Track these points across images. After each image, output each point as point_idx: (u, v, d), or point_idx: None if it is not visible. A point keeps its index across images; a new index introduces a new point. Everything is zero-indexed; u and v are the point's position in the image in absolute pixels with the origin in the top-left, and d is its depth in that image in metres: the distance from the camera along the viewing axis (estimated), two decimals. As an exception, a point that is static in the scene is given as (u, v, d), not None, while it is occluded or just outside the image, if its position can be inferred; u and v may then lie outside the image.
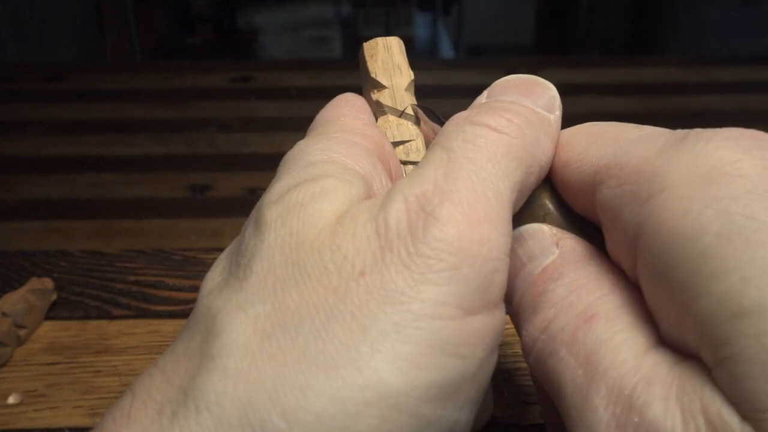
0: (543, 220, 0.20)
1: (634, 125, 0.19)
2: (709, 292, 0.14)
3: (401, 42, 0.24)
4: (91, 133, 0.83)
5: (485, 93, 0.21)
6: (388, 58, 0.23)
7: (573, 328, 0.17)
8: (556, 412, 0.18)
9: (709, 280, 0.14)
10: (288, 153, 0.20)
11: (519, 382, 0.31)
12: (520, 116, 0.19)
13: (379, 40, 0.24)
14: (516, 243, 0.20)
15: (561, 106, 0.21)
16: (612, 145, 0.18)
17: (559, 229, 0.20)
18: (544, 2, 2.30)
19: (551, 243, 0.19)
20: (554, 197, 0.21)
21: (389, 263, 0.16)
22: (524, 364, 0.32)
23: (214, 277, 0.18)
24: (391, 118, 0.23)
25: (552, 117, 0.20)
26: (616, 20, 2.24)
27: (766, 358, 0.13)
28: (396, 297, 0.15)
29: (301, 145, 0.20)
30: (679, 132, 0.17)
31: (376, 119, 0.23)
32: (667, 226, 0.15)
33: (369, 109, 0.24)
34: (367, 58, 0.23)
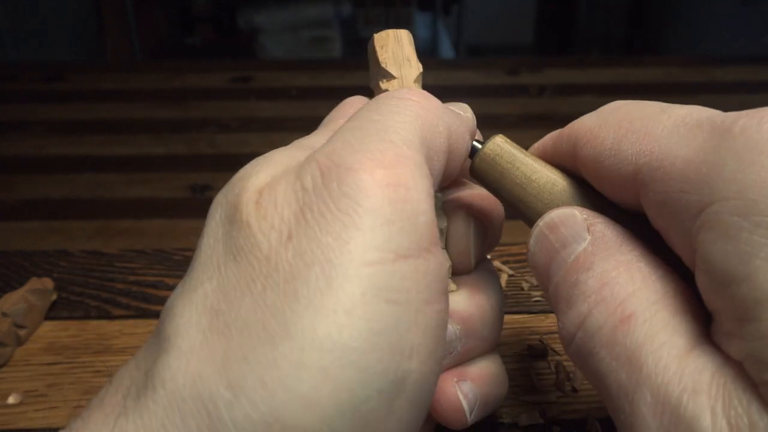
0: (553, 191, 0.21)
1: (657, 107, 0.18)
2: (759, 317, 0.14)
3: (411, 35, 0.24)
4: (91, 133, 0.83)
5: None
6: (398, 49, 0.23)
7: (611, 328, 0.17)
8: None
9: (759, 305, 0.14)
10: None
11: (519, 382, 0.31)
12: (427, 95, 0.20)
13: (390, 31, 0.24)
14: (548, 229, 0.20)
15: (473, 114, 0.22)
16: (646, 140, 0.18)
17: (591, 212, 0.20)
18: (544, 2, 2.30)
19: (583, 228, 0.19)
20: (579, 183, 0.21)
21: (312, 223, 0.16)
22: (524, 364, 0.32)
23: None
24: None
25: (462, 113, 0.22)
26: (616, 20, 2.24)
27: None
28: (323, 253, 0.15)
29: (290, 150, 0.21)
30: (719, 122, 0.16)
31: None
32: (720, 245, 0.15)
33: None
34: (378, 49, 0.23)
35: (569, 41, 2.35)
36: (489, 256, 0.40)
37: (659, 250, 0.18)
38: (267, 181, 0.18)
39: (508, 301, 0.37)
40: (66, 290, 0.38)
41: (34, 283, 0.37)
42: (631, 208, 0.19)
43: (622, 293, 0.17)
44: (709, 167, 0.16)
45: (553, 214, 0.20)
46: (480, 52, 2.31)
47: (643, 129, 0.18)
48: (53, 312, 0.37)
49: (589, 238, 0.19)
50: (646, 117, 0.18)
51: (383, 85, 0.23)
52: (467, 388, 0.22)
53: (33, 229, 0.66)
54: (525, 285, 0.38)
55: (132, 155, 0.78)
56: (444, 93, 0.22)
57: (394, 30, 0.24)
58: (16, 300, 0.35)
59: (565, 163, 0.22)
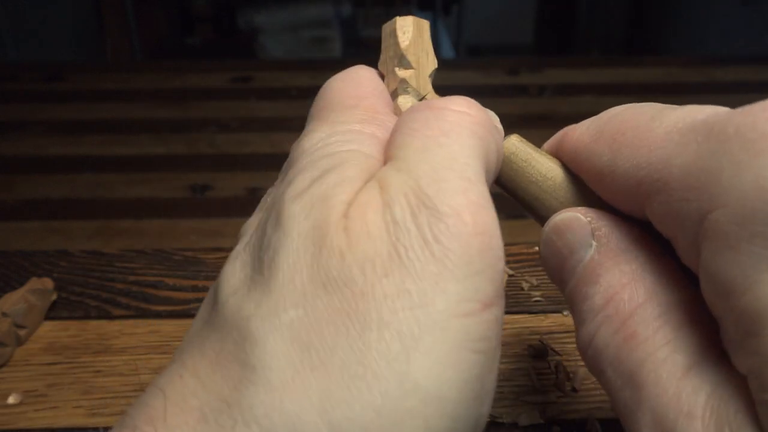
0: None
1: (648, 114, 0.18)
2: (760, 332, 0.14)
3: (429, 26, 0.23)
4: (91, 133, 0.83)
5: None
6: (419, 38, 0.23)
7: (615, 347, 0.17)
8: None
9: (759, 319, 0.14)
10: (305, 142, 0.19)
11: (519, 382, 0.31)
12: (472, 102, 0.19)
13: (413, 18, 0.23)
14: (555, 234, 0.20)
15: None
16: (641, 152, 0.17)
17: (596, 213, 0.20)
18: (544, 2, 2.30)
19: (588, 234, 0.19)
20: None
21: (407, 263, 0.15)
22: (524, 365, 0.32)
23: (234, 272, 0.18)
24: (411, 100, 0.22)
25: (498, 126, 0.21)
26: (616, 20, 2.24)
27: None
28: (419, 299, 0.15)
29: (321, 135, 0.19)
30: (712, 123, 0.16)
31: (396, 97, 0.22)
32: (721, 256, 0.15)
33: (385, 88, 0.23)
34: (399, 34, 0.22)
35: (569, 41, 2.35)
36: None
37: (668, 250, 0.18)
38: (351, 197, 0.17)
39: (508, 301, 0.37)
40: (66, 290, 0.38)
41: (34, 283, 0.37)
42: (643, 219, 0.19)
43: (625, 310, 0.17)
44: (707, 174, 0.15)
45: (558, 219, 0.20)
46: (480, 52, 2.31)
47: (636, 140, 0.18)
48: (53, 312, 0.37)
49: (594, 244, 0.19)
50: (637, 127, 0.18)
51: (400, 73, 0.22)
52: None
53: (33, 229, 0.66)
54: (525, 285, 0.38)
55: (132, 155, 0.78)
56: (444, 93, 0.21)
57: (416, 18, 0.23)
58: (16, 300, 0.35)
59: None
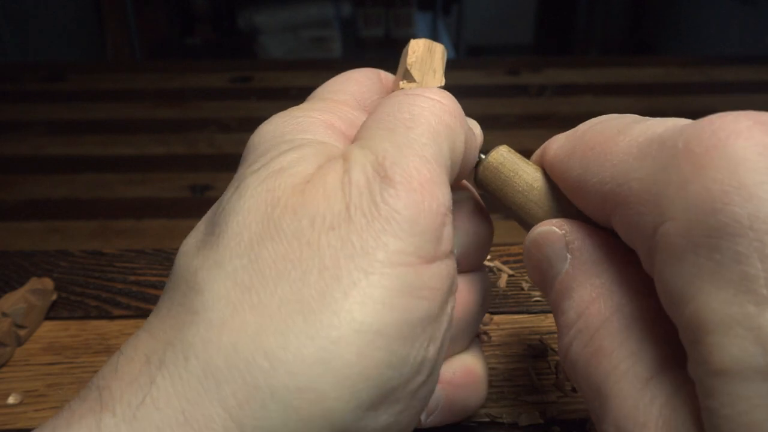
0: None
1: (615, 128, 0.19)
2: (701, 340, 0.14)
3: (446, 51, 0.25)
4: (91, 133, 0.83)
5: None
6: (428, 58, 0.24)
7: (585, 360, 0.18)
8: None
9: (700, 329, 0.14)
10: (264, 127, 0.21)
11: (519, 382, 0.31)
12: (447, 93, 0.21)
13: (426, 41, 0.24)
14: (534, 248, 0.21)
15: (482, 134, 0.24)
16: (605, 166, 0.18)
17: (571, 226, 0.20)
18: (544, 2, 2.30)
19: (563, 247, 0.20)
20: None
21: (355, 219, 0.17)
22: (524, 365, 0.32)
23: (190, 239, 0.19)
24: None
25: (474, 129, 0.23)
26: (616, 20, 2.24)
27: (740, 420, 0.13)
28: (363, 248, 0.17)
29: (280, 121, 0.21)
30: (665, 140, 0.17)
31: None
32: (670, 266, 0.15)
33: (375, 86, 0.24)
34: (409, 53, 0.24)
35: (569, 41, 2.34)
36: (489, 256, 0.40)
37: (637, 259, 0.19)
38: (312, 171, 0.19)
39: (508, 301, 0.37)
40: (66, 290, 0.38)
41: (34, 283, 0.37)
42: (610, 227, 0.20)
43: (594, 325, 0.18)
44: (658, 187, 0.16)
45: (536, 233, 0.21)
46: (480, 52, 2.31)
47: (602, 155, 0.19)
48: (53, 312, 0.37)
49: (569, 257, 0.20)
50: (604, 141, 0.19)
51: (402, 84, 0.23)
52: None
53: (33, 229, 0.66)
54: (525, 285, 0.38)
55: (132, 155, 0.78)
56: (444, 93, 0.22)
57: (430, 41, 0.24)
58: (16, 300, 0.35)
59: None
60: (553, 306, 0.20)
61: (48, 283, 0.38)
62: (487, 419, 0.29)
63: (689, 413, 0.15)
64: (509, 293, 0.38)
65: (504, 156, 0.23)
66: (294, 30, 2.03)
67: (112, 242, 0.64)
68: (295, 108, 0.22)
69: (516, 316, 0.36)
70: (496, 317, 0.36)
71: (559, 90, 0.89)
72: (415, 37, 0.24)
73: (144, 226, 0.66)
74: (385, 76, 0.25)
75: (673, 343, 0.17)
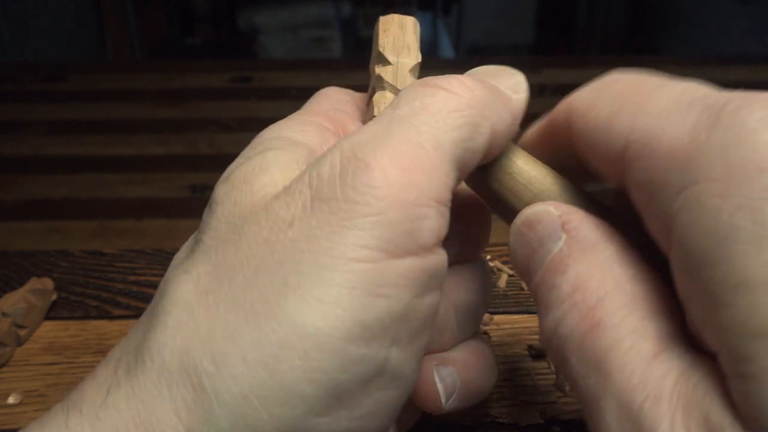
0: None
1: (655, 82, 0.18)
2: (735, 303, 0.14)
3: (417, 23, 0.24)
4: (91, 133, 0.83)
5: None
6: (400, 35, 0.23)
7: (580, 335, 0.17)
8: None
9: (736, 290, 0.14)
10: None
11: (519, 382, 0.31)
12: (475, 83, 0.19)
13: (396, 16, 0.23)
14: (525, 227, 0.20)
15: (528, 90, 0.21)
16: (641, 115, 0.17)
17: (567, 207, 0.19)
18: (544, 2, 2.30)
19: (558, 227, 0.19)
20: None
21: (317, 211, 0.16)
22: (524, 365, 0.32)
23: (180, 252, 0.20)
24: (388, 94, 0.23)
25: (514, 96, 0.21)
26: (616, 20, 2.24)
27: None
28: (319, 243, 0.16)
29: (262, 132, 0.21)
30: (713, 102, 0.16)
31: (374, 92, 0.23)
32: (697, 225, 0.15)
33: (349, 100, 0.24)
34: (380, 33, 0.23)
35: (569, 41, 2.34)
36: (489, 256, 0.40)
37: (639, 244, 0.18)
38: (282, 177, 0.18)
39: (508, 301, 0.37)
40: (66, 290, 0.38)
41: (34, 283, 0.37)
42: (621, 187, 0.19)
43: (592, 298, 0.17)
44: (695, 146, 0.15)
45: (530, 212, 0.20)
46: (480, 52, 2.31)
47: (638, 104, 0.17)
48: (53, 312, 0.37)
49: (564, 236, 0.19)
50: (642, 92, 0.18)
51: (378, 70, 0.23)
52: (446, 372, 0.23)
53: (33, 229, 0.66)
54: (525, 285, 0.38)
55: (132, 155, 0.78)
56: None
57: (401, 15, 0.23)
58: (16, 300, 0.35)
59: (559, 138, 0.21)
60: (539, 284, 0.19)
61: (48, 283, 0.38)
62: (487, 419, 0.29)
63: (711, 387, 0.14)
64: (509, 293, 0.38)
65: (510, 165, 0.21)
66: (294, 30, 2.03)
67: (112, 242, 0.64)
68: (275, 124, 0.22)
69: (516, 316, 0.36)
70: (496, 317, 0.36)
71: (559, 90, 0.89)
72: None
73: (144, 226, 0.66)
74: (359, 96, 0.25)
75: (678, 326, 0.16)
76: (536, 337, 0.34)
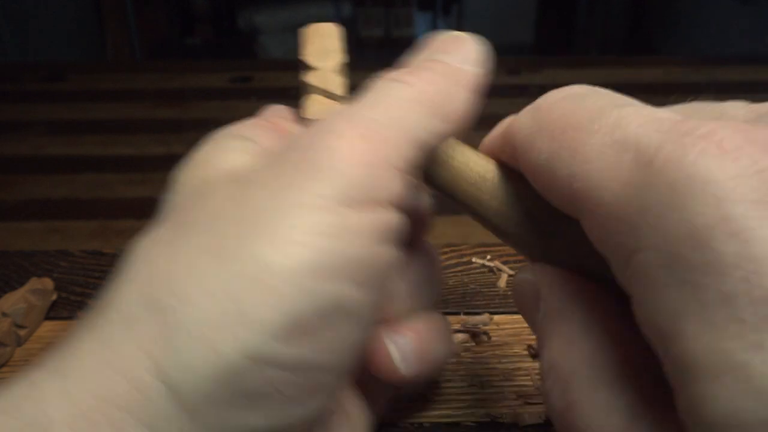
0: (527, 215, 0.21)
1: (587, 113, 0.17)
2: (688, 388, 0.13)
3: (337, 28, 0.25)
4: (91, 133, 0.83)
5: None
6: (320, 42, 0.24)
7: (560, 414, 0.17)
8: None
9: (686, 374, 0.13)
10: None
11: (519, 382, 0.31)
12: (431, 71, 0.21)
13: (316, 25, 0.25)
14: (517, 296, 0.21)
15: (482, 56, 0.22)
16: (577, 160, 0.16)
17: (543, 271, 0.20)
18: (544, 2, 2.30)
19: (536, 297, 0.20)
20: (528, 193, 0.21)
21: (283, 164, 0.18)
22: (524, 364, 0.32)
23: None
24: (317, 97, 0.24)
25: (467, 68, 0.21)
26: (616, 20, 2.24)
27: None
28: (282, 194, 0.17)
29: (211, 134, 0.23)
30: (644, 147, 0.14)
31: (306, 99, 0.24)
32: (648, 298, 0.14)
33: (288, 110, 0.26)
34: (303, 43, 0.24)
35: (569, 41, 2.34)
36: (489, 256, 0.40)
37: (612, 289, 0.17)
38: (234, 160, 0.20)
39: (508, 301, 0.37)
40: (66, 290, 0.38)
41: (34, 283, 0.37)
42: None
43: (564, 377, 0.17)
44: (635, 208, 0.14)
45: (516, 280, 0.21)
46: (480, 52, 2.30)
47: (574, 145, 0.16)
48: (53, 312, 0.37)
49: (542, 307, 0.19)
50: (577, 128, 0.17)
51: (304, 77, 0.24)
52: (398, 338, 0.24)
53: (33, 229, 0.66)
54: (525, 285, 0.38)
55: (132, 155, 0.78)
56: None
57: (321, 24, 0.25)
58: (16, 300, 0.35)
59: (511, 164, 0.21)
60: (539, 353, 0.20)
61: (48, 283, 0.38)
62: (487, 419, 0.29)
63: None
64: (509, 293, 0.38)
65: (453, 148, 0.22)
66: (294, 30, 2.02)
67: (112, 242, 0.64)
68: None
69: (516, 316, 0.36)
70: (496, 317, 0.36)
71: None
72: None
73: (144, 226, 0.66)
74: None
75: (652, 389, 0.16)
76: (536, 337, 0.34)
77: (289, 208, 0.17)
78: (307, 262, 0.17)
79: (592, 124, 0.16)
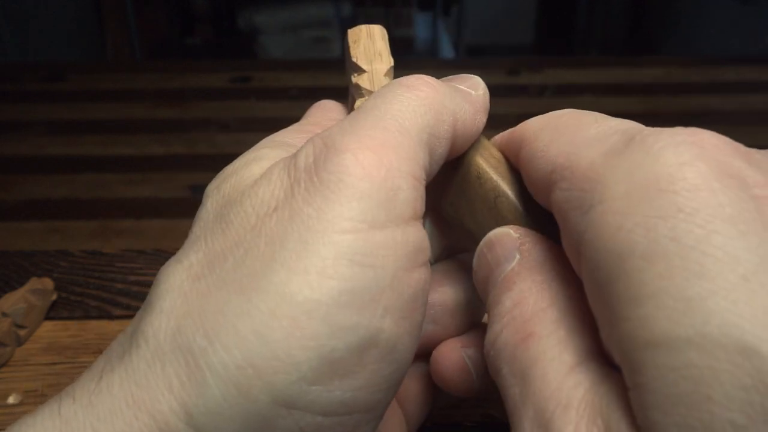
0: (494, 203, 0.21)
1: (597, 119, 0.19)
2: (629, 316, 0.14)
3: (384, 30, 0.25)
4: (91, 133, 0.83)
5: None
6: (370, 44, 0.24)
7: (513, 346, 0.18)
8: None
9: (629, 304, 0.14)
10: None
11: (519, 382, 0.31)
12: (438, 82, 0.21)
13: (363, 27, 0.25)
14: (486, 248, 0.21)
15: (486, 88, 0.23)
16: (569, 143, 0.18)
17: (525, 230, 0.20)
18: (544, 2, 2.30)
19: (514, 247, 0.20)
20: (513, 183, 0.22)
21: (297, 196, 0.18)
22: (524, 364, 0.32)
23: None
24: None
25: (473, 92, 0.22)
26: (616, 20, 2.24)
27: (669, 391, 0.13)
28: (303, 221, 0.17)
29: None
30: (629, 132, 0.17)
31: (355, 101, 0.24)
32: (600, 242, 0.15)
33: (341, 109, 0.25)
34: (351, 44, 0.24)
35: (569, 41, 2.34)
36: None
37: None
38: (263, 169, 0.19)
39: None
40: (66, 290, 0.38)
41: (34, 283, 0.37)
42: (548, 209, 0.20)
43: (528, 313, 0.18)
44: (605, 169, 0.16)
45: (492, 234, 0.21)
46: (480, 52, 2.31)
47: (571, 134, 0.19)
48: (53, 312, 0.37)
49: (518, 257, 0.20)
50: (579, 124, 0.19)
51: (354, 79, 0.24)
52: (471, 351, 0.23)
53: (33, 229, 0.66)
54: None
55: (132, 155, 0.78)
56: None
57: (368, 25, 0.25)
58: (16, 300, 0.35)
59: (511, 160, 0.23)
60: (491, 301, 0.20)
61: (48, 283, 0.38)
62: (487, 419, 0.29)
63: (615, 398, 0.15)
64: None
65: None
66: (294, 30, 2.03)
67: (112, 242, 0.64)
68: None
69: (516, 316, 0.36)
70: (496, 317, 0.36)
71: (559, 90, 0.89)
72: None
73: (144, 226, 0.66)
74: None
75: (598, 337, 0.17)
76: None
77: (309, 236, 0.17)
78: (332, 292, 0.16)
79: (594, 123, 0.19)
